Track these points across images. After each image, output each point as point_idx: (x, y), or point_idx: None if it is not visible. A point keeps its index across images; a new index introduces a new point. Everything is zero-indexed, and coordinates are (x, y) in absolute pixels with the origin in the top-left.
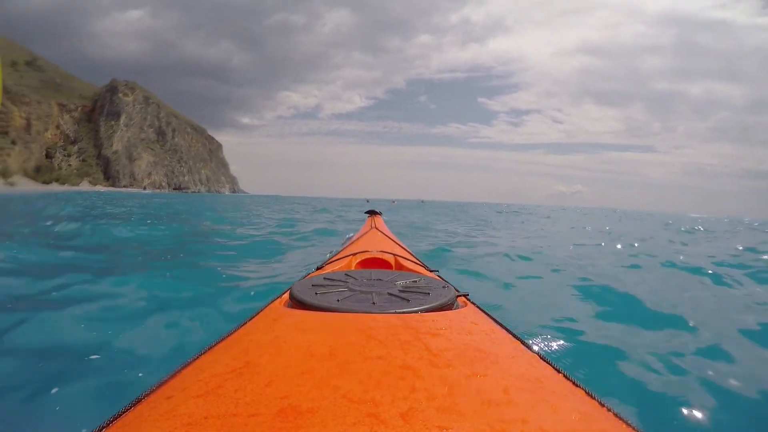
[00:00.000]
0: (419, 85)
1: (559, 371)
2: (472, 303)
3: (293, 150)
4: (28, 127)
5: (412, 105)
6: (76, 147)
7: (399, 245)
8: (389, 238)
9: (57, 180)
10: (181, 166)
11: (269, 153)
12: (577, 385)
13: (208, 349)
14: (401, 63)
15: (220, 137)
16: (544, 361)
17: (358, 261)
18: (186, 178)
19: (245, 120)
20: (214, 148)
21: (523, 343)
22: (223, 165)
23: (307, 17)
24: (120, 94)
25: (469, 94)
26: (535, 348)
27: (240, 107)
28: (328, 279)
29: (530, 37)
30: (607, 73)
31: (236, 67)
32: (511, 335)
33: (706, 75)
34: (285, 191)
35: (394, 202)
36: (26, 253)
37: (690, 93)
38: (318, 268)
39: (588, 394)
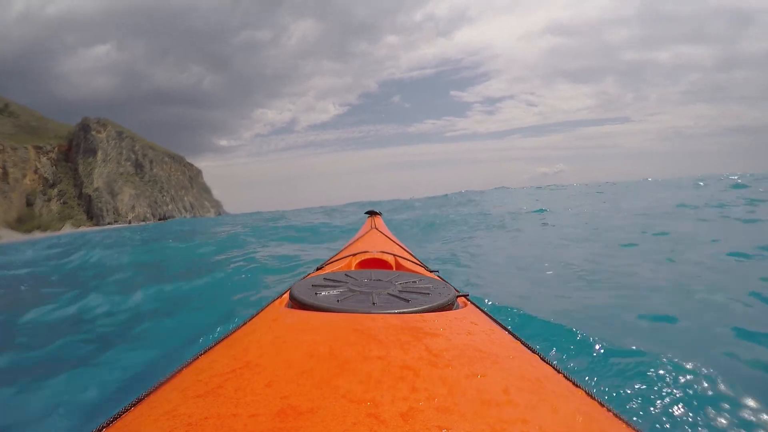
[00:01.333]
0: (391, 86)
1: (559, 371)
2: (472, 303)
3: (273, 166)
4: (5, 175)
5: (386, 107)
6: (56, 190)
7: (399, 245)
8: (389, 238)
9: (39, 227)
10: (163, 196)
11: (249, 172)
12: (577, 386)
13: (208, 349)
14: (371, 66)
15: (200, 162)
16: (545, 361)
17: (358, 261)
18: (170, 206)
19: (223, 142)
20: (194, 175)
21: (523, 343)
22: (206, 190)
23: (273, 32)
24: (93, 132)
25: (442, 89)
26: (536, 348)
27: (216, 130)
28: (328, 279)
29: (496, 24)
30: (576, 50)
31: (208, 90)
32: (511, 335)
33: (674, 40)
34: (268, 207)
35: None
36: None
37: (659, 60)
38: (318, 269)
39: (588, 394)
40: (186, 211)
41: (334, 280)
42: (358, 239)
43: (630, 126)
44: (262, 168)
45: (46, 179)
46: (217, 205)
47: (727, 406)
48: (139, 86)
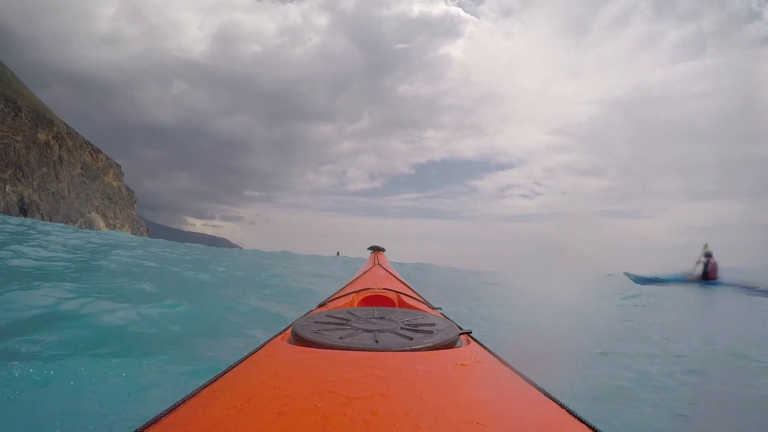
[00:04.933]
0: (426, 166)
1: (563, 407)
2: (475, 341)
3: (304, 219)
4: None
5: (417, 182)
6: None
7: (402, 282)
8: (392, 275)
9: None
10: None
11: (281, 220)
12: (582, 422)
13: (209, 384)
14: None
15: (243, 209)
16: (549, 398)
17: (361, 298)
18: (23, 194)
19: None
20: (102, 169)
21: (525, 379)
22: (118, 197)
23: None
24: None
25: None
26: (539, 384)
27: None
28: (331, 316)
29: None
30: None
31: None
32: (514, 372)
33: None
34: (291, 248)
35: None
36: None
37: (659, 157)
38: (320, 305)
39: (593, 429)
40: (47, 216)
41: (336, 317)
42: (361, 275)
43: (642, 221)
44: (292, 219)
45: None
46: (134, 223)
47: None
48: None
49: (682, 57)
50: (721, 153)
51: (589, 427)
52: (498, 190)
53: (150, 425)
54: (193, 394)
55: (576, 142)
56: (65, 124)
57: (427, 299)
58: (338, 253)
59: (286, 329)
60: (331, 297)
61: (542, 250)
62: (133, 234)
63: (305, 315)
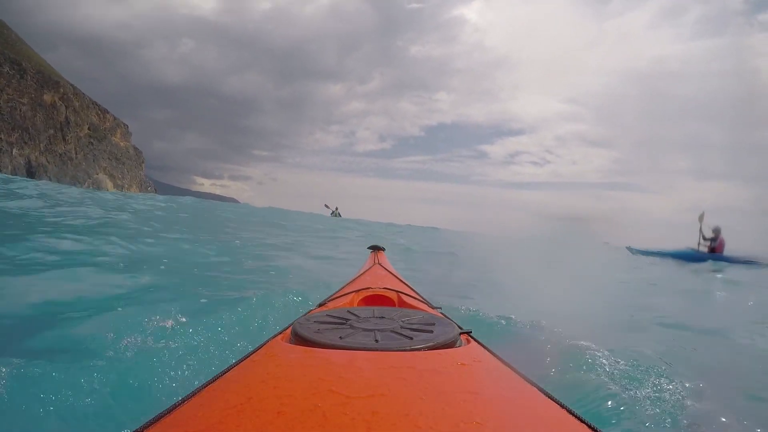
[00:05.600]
0: (435, 129)
1: (563, 407)
2: (475, 340)
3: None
4: None
5: (426, 144)
6: None
7: (402, 282)
8: (392, 274)
9: None
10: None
11: (295, 180)
12: (582, 421)
13: (208, 384)
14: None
15: (252, 168)
16: (549, 397)
17: (360, 298)
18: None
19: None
20: (109, 129)
21: (526, 379)
22: (127, 157)
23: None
24: None
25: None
26: (539, 384)
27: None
28: (331, 316)
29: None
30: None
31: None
32: (514, 372)
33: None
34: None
35: (335, 212)
36: None
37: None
38: (320, 305)
39: (593, 429)
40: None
41: (336, 317)
42: (361, 275)
43: (648, 195)
44: (305, 179)
45: None
46: (141, 183)
47: None
48: None
49: (702, 34)
50: (734, 135)
51: (590, 426)
52: (508, 155)
53: (150, 425)
54: (193, 394)
55: (589, 112)
56: (72, 85)
57: (427, 298)
58: (334, 212)
59: (286, 329)
60: (330, 296)
61: (550, 222)
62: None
63: (305, 314)
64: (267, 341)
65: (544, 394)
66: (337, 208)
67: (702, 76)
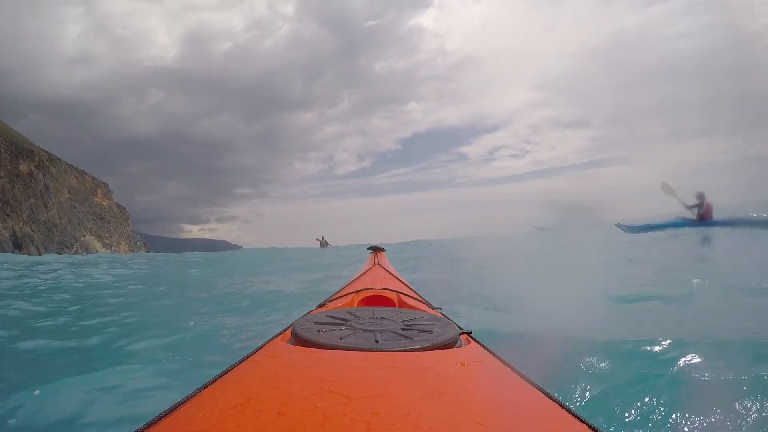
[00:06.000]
0: (411, 139)
1: (566, 409)
2: (476, 341)
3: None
4: None
5: (404, 156)
6: None
7: (402, 282)
8: (392, 275)
9: None
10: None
11: (275, 214)
12: (582, 422)
13: (208, 384)
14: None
15: (234, 208)
16: (549, 398)
17: (360, 298)
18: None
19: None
20: (89, 191)
21: (526, 379)
22: (110, 215)
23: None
24: None
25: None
26: (540, 384)
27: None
28: (331, 316)
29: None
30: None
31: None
32: (514, 372)
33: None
34: (282, 244)
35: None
36: None
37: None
38: (320, 306)
39: (593, 429)
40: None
41: (336, 318)
42: (360, 275)
43: (630, 167)
44: (291, 210)
45: None
46: (130, 238)
47: None
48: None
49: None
50: (705, 92)
51: (589, 426)
52: (487, 153)
53: (150, 425)
54: (193, 394)
55: (558, 96)
56: (45, 152)
57: (427, 299)
58: (322, 241)
59: (286, 329)
60: (330, 297)
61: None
62: (130, 249)
63: (305, 315)
64: (267, 342)
65: (545, 394)
66: (323, 237)
67: (662, 39)
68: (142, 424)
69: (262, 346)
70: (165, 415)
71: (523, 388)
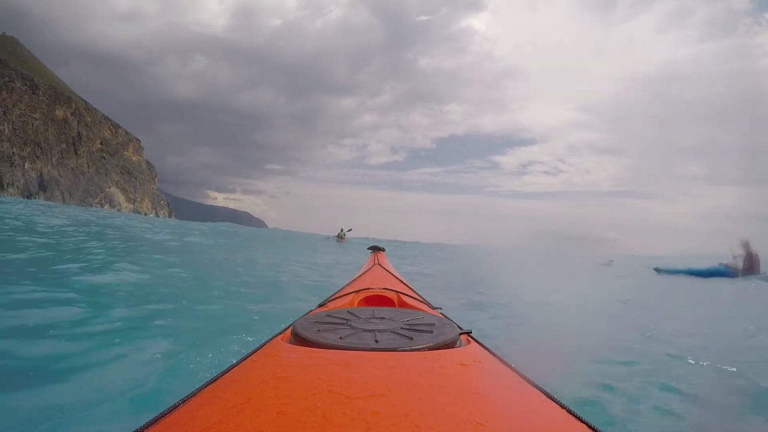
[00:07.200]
0: (447, 140)
1: (566, 409)
2: (475, 340)
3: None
4: None
5: (438, 156)
6: None
7: (402, 282)
8: (392, 275)
9: None
10: (32, 153)
11: (305, 194)
12: (582, 422)
13: (208, 383)
14: (432, 124)
15: (266, 182)
16: (549, 397)
17: (361, 298)
18: (41, 172)
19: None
20: (122, 144)
21: (525, 379)
22: (139, 172)
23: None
24: None
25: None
26: (540, 384)
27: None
28: (331, 316)
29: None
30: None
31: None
32: (514, 372)
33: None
34: (303, 228)
35: (341, 234)
36: None
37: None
38: (320, 305)
39: (592, 428)
40: (66, 192)
41: (336, 317)
42: (361, 275)
43: (662, 202)
44: (318, 192)
45: None
46: (154, 197)
47: None
48: None
49: (711, 35)
50: (748, 138)
51: (589, 427)
52: (520, 165)
53: (150, 425)
54: (193, 394)
55: (599, 120)
56: (83, 101)
57: (427, 299)
58: (341, 234)
59: (286, 329)
60: (331, 297)
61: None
62: (153, 208)
63: (305, 315)
64: (267, 341)
65: (545, 394)
66: (342, 230)
67: (712, 78)
68: (142, 423)
69: (262, 346)
70: (165, 414)
71: (523, 388)
